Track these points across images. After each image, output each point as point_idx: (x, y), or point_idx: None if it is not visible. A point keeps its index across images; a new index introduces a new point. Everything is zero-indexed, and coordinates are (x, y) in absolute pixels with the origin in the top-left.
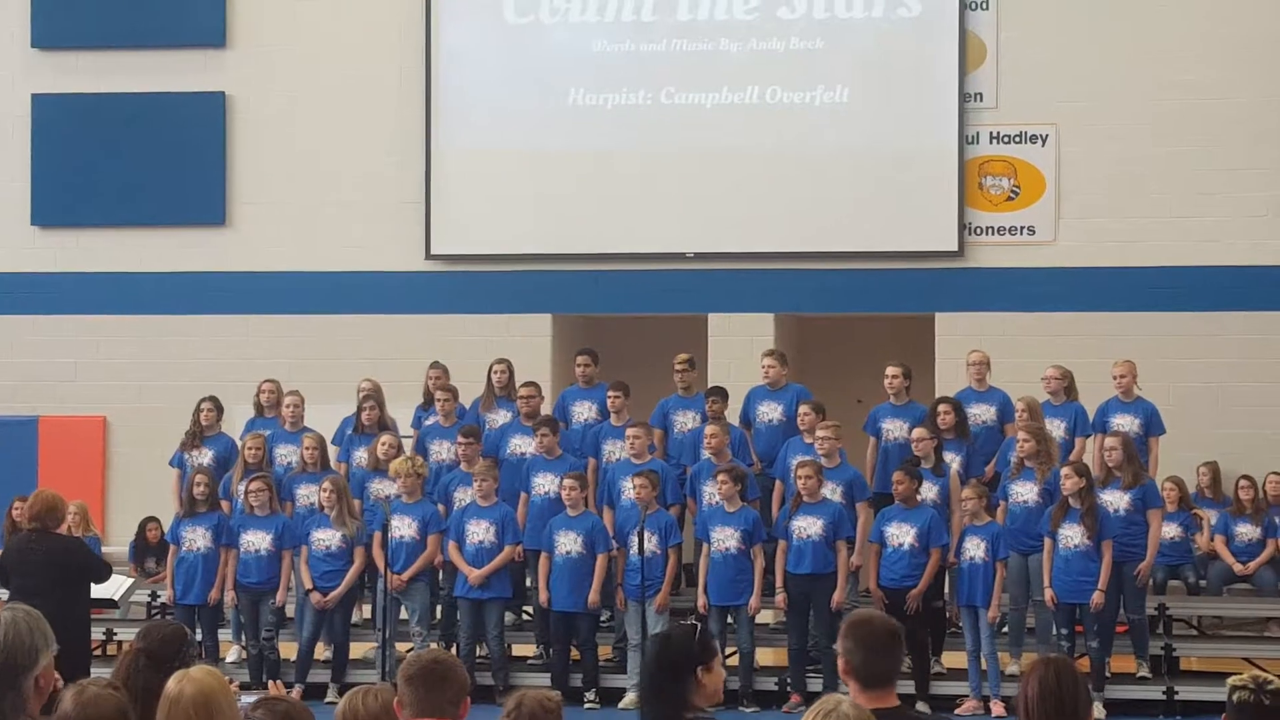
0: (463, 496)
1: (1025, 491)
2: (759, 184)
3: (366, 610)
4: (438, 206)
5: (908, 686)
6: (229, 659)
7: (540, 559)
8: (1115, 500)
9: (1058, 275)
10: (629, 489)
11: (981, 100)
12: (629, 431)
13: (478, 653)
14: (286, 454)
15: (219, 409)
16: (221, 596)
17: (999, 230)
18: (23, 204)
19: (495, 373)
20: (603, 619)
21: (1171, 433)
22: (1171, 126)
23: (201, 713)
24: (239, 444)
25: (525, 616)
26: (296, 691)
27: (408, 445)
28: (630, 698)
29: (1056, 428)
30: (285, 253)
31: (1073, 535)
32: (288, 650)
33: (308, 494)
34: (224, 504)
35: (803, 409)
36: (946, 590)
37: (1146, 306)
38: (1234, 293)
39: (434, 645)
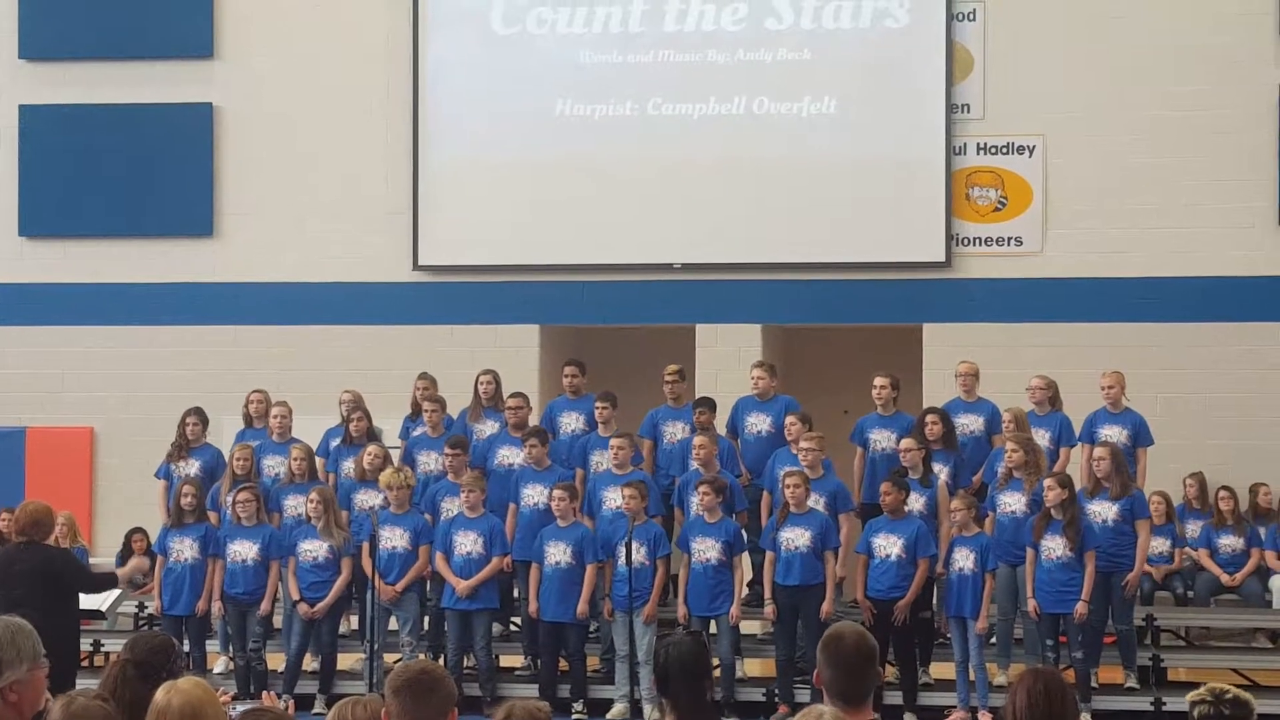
0: (450, 507)
1: (1013, 502)
2: (747, 195)
3: (354, 621)
4: (425, 217)
5: (896, 697)
6: (216, 670)
7: (530, 569)
8: (1103, 511)
9: (1045, 286)
10: (611, 500)
11: (969, 111)
12: (612, 442)
13: (465, 664)
14: (274, 465)
15: (204, 421)
16: (209, 607)
17: (986, 241)
18: (10, 215)
19: (482, 383)
20: (590, 629)
21: (1158, 443)
22: (1158, 138)
23: None
24: (226, 455)
25: (513, 627)
26: (290, 704)
27: (395, 456)
28: (618, 709)
29: (1041, 438)
30: (273, 263)
31: (1055, 546)
32: (275, 661)
33: (295, 505)
34: (211, 515)
35: (789, 420)
36: (935, 601)
37: (1133, 317)
38: (1220, 303)
39: (422, 656)
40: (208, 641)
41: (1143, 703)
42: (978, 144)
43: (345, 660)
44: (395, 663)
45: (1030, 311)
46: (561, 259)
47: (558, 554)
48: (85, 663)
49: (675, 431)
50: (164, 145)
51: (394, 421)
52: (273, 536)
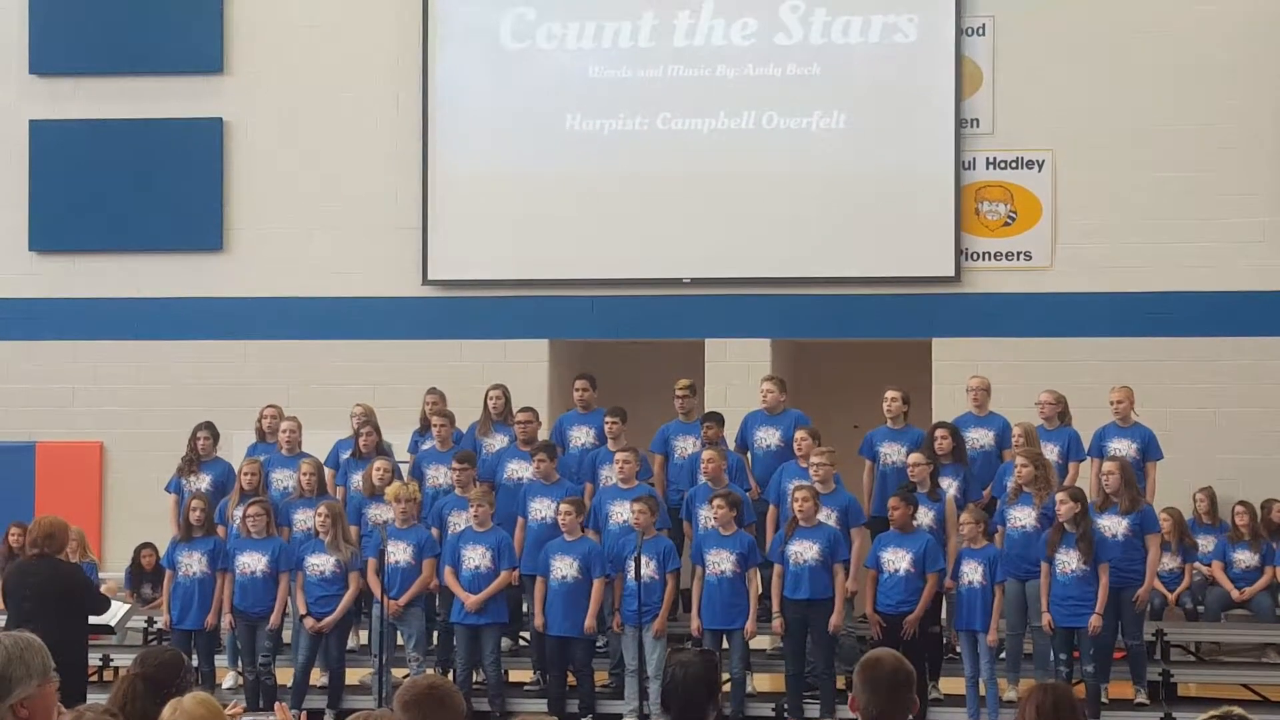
0: (457, 521)
1: (1023, 517)
2: (756, 209)
3: (363, 636)
4: (435, 232)
5: None
6: (225, 684)
7: (536, 583)
8: (1113, 525)
9: (1054, 300)
10: (617, 514)
11: (978, 126)
12: (618, 456)
13: (474, 678)
14: (283, 479)
15: (215, 435)
16: (218, 621)
17: (996, 255)
18: (20, 230)
19: (491, 398)
20: (598, 644)
21: (1167, 458)
22: (1167, 152)
23: None
24: (236, 469)
25: (521, 642)
26: (302, 716)
27: (404, 470)
28: None
29: (1050, 452)
30: (282, 278)
31: (1069, 560)
32: (285, 675)
33: (305, 519)
34: (220, 529)
35: (799, 434)
36: (944, 616)
37: (1143, 332)
38: (1230, 318)
39: (430, 671)
40: (216, 656)
41: (1153, 718)
42: (987, 159)
43: (354, 675)
44: (404, 677)
45: (1040, 326)
46: (571, 273)
47: (564, 568)
48: (94, 678)
49: (686, 446)
50: (174, 160)
51: (403, 436)
52: (282, 549)
